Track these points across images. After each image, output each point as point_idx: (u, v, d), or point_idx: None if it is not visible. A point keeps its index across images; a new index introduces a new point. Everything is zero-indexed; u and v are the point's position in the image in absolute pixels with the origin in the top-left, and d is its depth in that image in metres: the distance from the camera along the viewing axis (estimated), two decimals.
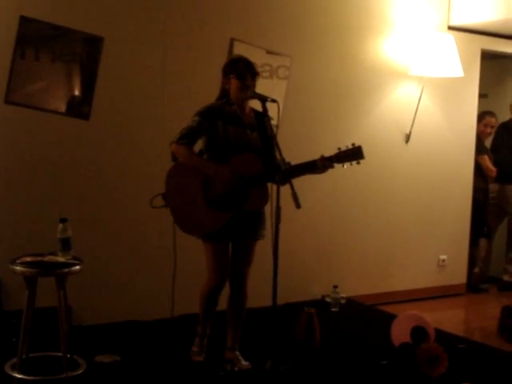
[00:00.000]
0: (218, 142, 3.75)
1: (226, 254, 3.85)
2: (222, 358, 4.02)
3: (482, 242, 6.79)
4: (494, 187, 6.80)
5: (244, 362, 3.98)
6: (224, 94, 3.88)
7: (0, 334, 4.18)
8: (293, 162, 3.65)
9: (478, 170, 6.59)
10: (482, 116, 6.60)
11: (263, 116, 3.71)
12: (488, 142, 6.87)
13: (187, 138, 3.71)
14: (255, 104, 3.76)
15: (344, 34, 5.62)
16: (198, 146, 3.86)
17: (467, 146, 6.48)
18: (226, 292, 3.98)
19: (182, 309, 4.46)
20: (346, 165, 3.64)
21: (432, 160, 6.23)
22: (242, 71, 3.74)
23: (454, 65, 5.78)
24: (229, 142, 3.75)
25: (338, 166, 3.68)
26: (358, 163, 3.62)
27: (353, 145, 3.60)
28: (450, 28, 6.12)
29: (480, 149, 6.59)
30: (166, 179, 3.83)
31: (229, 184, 3.67)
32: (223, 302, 4.00)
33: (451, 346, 4.29)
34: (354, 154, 3.60)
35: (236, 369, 3.92)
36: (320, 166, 3.66)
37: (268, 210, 3.53)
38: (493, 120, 6.70)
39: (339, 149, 3.64)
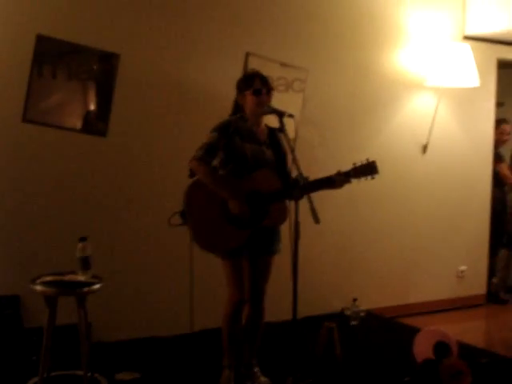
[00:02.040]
0: (234, 159, 3.71)
1: (243, 270, 3.81)
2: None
3: (502, 251, 6.73)
4: None
5: (263, 378, 3.94)
6: (237, 109, 3.86)
7: (21, 352, 4.19)
8: (310, 176, 3.63)
9: (496, 178, 6.55)
10: (496, 124, 6.57)
11: (278, 132, 3.69)
12: (505, 150, 6.83)
13: (207, 155, 3.65)
14: (272, 119, 3.74)
15: (359, 45, 5.62)
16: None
17: (485, 156, 6.45)
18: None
19: (202, 324, 4.45)
20: (362, 180, 3.63)
21: (450, 170, 6.20)
22: (258, 87, 3.72)
23: (471, 75, 5.76)
24: (246, 158, 3.71)
25: (354, 180, 3.65)
26: (373, 178, 3.60)
27: (367, 160, 3.58)
28: (466, 37, 6.10)
29: (497, 157, 6.57)
30: (185, 196, 3.72)
31: (243, 212, 3.64)
32: None
33: (474, 361, 4.25)
34: (369, 169, 3.59)
35: None
36: (337, 181, 3.64)
37: (286, 224, 3.51)
38: (507, 127, 6.71)
39: (354, 164, 3.62)
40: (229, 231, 3.68)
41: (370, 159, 3.59)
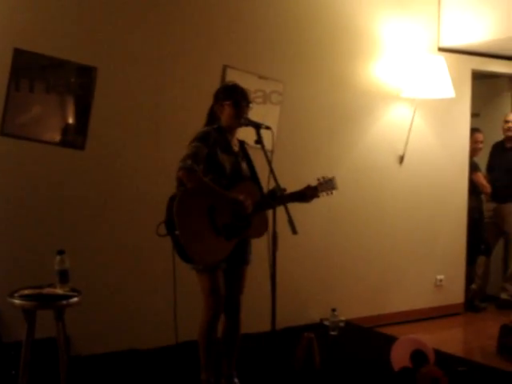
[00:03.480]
0: (213, 169, 3.68)
1: (220, 281, 3.77)
2: None
3: (480, 259, 6.81)
4: (490, 206, 6.85)
5: None
6: (212, 118, 3.84)
7: None
8: (287, 187, 3.68)
9: (472, 187, 6.63)
10: (470, 134, 6.65)
11: (256, 143, 3.63)
12: (480, 159, 6.91)
13: (195, 163, 3.53)
14: (249, 131, 3.76)
15: (334, 57, 5.67)
16: None
17: (461, 166, 6.53)
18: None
19: (184, 336, 4.44)
20: (323, 194, 3.95)
21: (426, 180, 6.26)
22: (238, 98, 3.73)
23: (446, 86, 5.83)
24: (224, 169, 3.71)
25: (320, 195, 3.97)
26: (331, 193, 3.96)
27: (326, 176, 3.94)
28: (441, 49, 6.18)
29: (472, 166, 6.66)
30: (175, 207, 3.50)
31: (247, 207, 3.64)
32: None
33: (451, 369, 4.28)
34: (331, 184, 3.93)
35: None
36: (309, 195, 3.87)
37: (264, 235, 3.53)
38: (480, 136, 6.79)
39: (318, 179, 3.91)
40: (217, 243, 3.63)
41: (329, 176, 3.94)
